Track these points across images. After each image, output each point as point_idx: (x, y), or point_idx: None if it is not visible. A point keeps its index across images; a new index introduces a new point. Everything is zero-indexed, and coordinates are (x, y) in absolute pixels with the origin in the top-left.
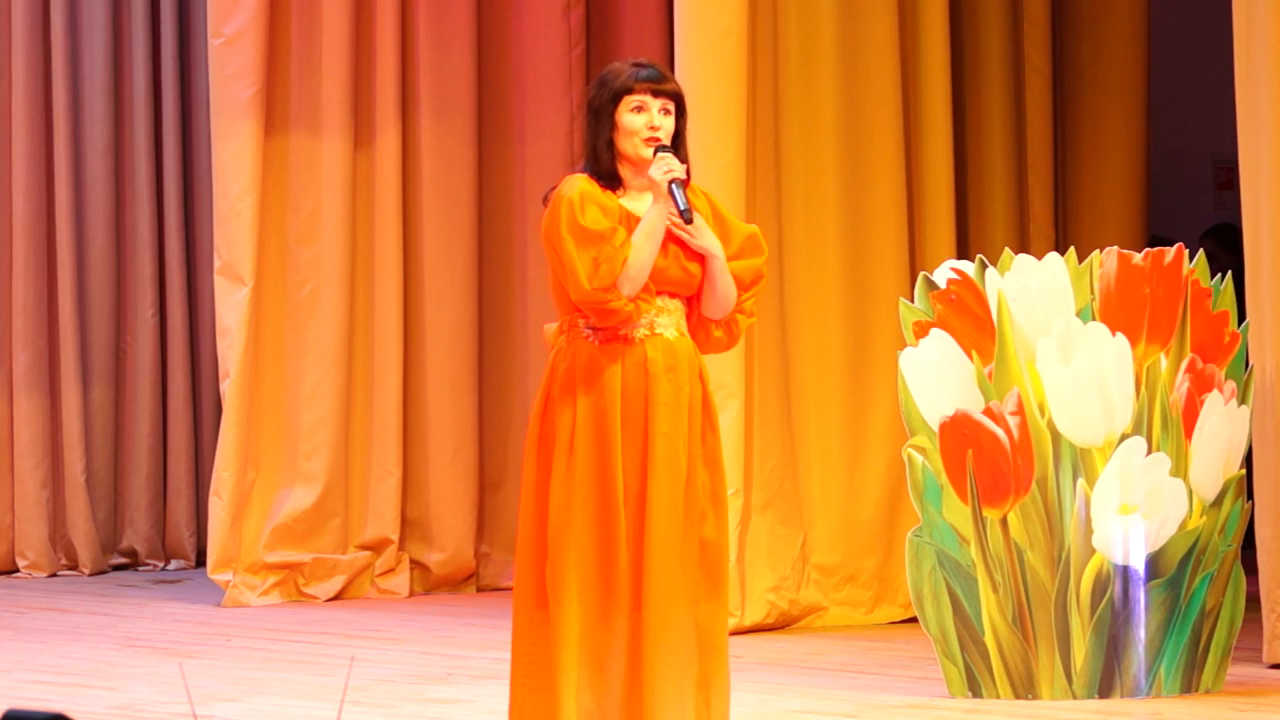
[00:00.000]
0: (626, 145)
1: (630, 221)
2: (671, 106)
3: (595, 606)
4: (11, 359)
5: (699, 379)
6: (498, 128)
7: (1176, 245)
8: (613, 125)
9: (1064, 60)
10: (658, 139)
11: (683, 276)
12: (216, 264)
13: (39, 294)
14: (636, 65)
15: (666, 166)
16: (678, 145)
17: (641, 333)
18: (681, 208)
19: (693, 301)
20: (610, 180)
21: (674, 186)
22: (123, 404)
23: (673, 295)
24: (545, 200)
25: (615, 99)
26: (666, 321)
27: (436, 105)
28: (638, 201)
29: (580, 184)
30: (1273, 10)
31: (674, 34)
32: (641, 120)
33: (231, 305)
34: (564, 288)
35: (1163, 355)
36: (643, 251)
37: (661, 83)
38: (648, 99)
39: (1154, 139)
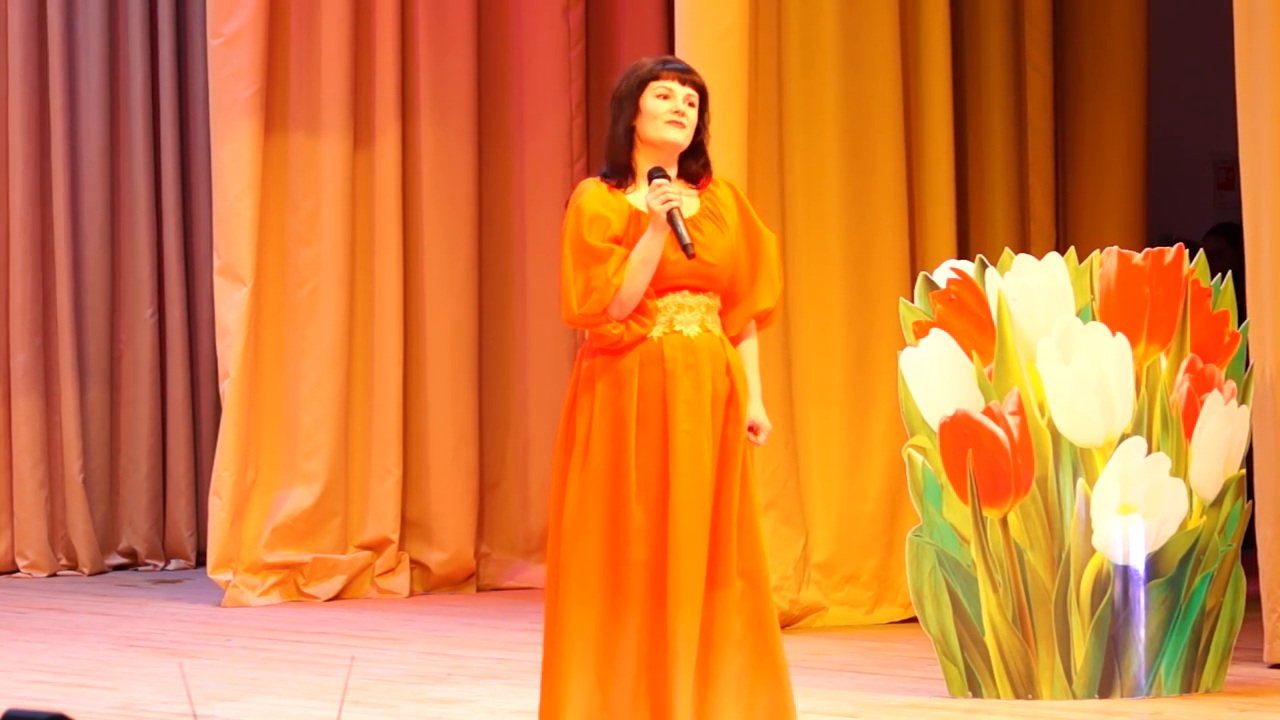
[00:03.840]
0: (649, 128)
1: (639, 221)
2: (696, 99)
3: (605, 603)
4: (9, 359)
5: (726, 374)
6: (497, 128)
7: (1176, 245)
8: (635, 111)
9: (1065, 59)
10: (680, 123)
11: (701, 268)
12: (216, 264)
13: (36, 294)
14: (662, 59)
15: (664, 196)
16: (699, 141)
17: (659, 331)
18: (684, 241)
19: (727, 298)
20: (622, 175)
21: (674, 216)
22: (121, 404)
23: (696, 290)
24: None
25: (641, 85)
26: (688, 318)
27: (436, 105)
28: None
29: (590, 189)
30: (1273, 10)
31: (674, 34)
32: (666, 105)
33: (231, 305)
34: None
35: (1163, 355)
36: (636, 279)
37: (688, 73)
38: (674, 86)
39: (1154, 139)
